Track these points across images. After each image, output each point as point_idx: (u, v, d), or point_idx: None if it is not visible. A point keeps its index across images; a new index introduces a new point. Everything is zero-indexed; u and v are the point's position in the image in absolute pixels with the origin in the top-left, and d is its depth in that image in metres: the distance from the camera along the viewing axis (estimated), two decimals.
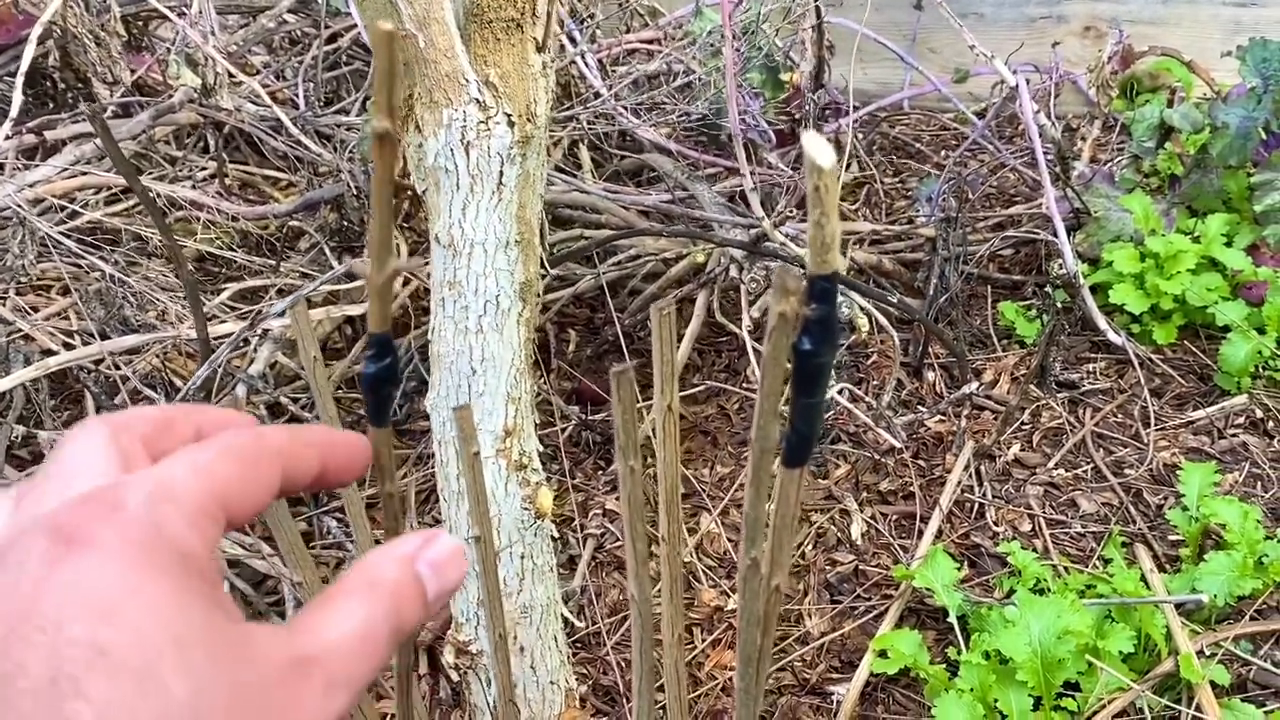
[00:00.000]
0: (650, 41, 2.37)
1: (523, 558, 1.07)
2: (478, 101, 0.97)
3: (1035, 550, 1.47)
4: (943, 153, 2.63)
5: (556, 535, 1.15)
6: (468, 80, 0.97)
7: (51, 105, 2.32)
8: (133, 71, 2.36)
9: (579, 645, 1.40)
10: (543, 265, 1.15)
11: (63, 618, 0.29)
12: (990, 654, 1.21)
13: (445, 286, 1.02)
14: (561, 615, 1.16)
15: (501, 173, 0.99)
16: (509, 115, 0.98)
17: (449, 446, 1.06)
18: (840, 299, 1.46)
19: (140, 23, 2.57)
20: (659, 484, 0.74)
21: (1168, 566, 1.45)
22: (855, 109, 2.59)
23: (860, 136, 2.56)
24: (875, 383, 1.84)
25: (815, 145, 0.46)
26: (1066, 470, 1.65)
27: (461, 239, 1.00)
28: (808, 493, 1.64)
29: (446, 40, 0.95)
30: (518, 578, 1.07)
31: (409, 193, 2.04)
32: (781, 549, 0.61)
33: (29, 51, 1.86)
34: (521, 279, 1.03)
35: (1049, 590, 1.36)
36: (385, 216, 0.43)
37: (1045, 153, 1.84)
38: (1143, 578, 1.36)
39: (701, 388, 1.80)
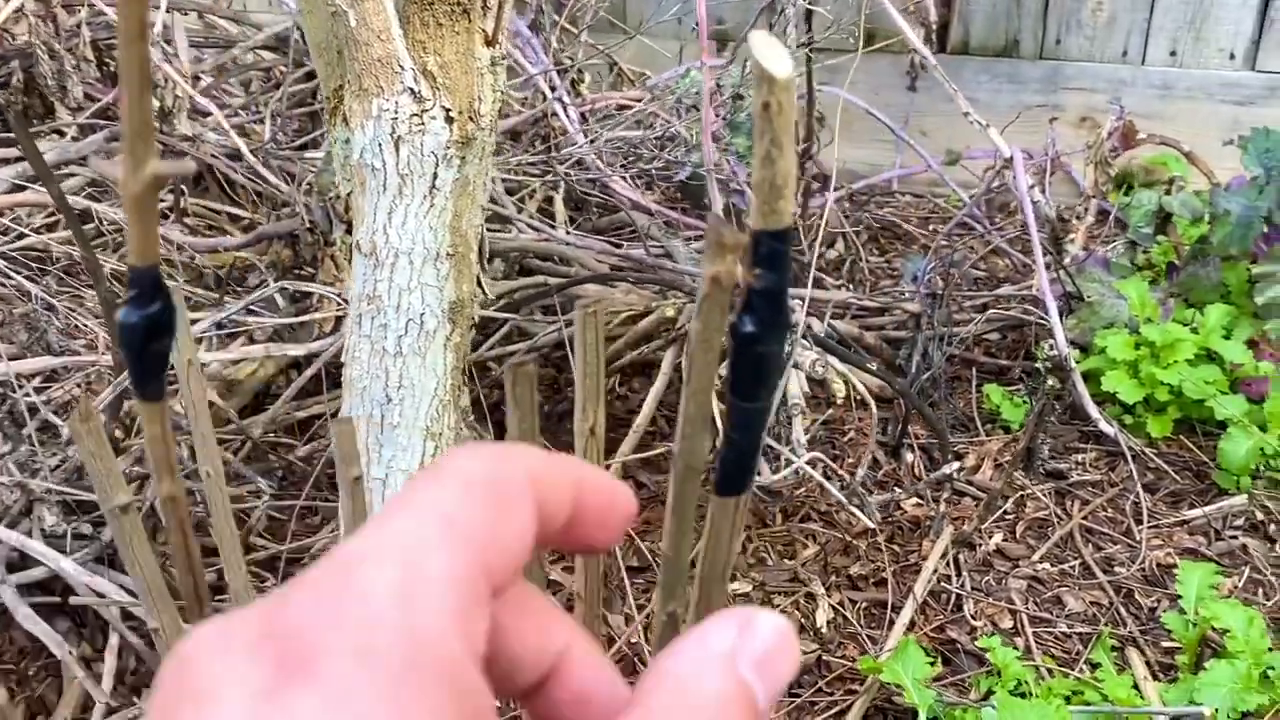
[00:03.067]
0: (636, 100, 2.30)
1: None
2: (412, 91, 0.86)
3: (1017, 649, 1.33)
4: (931, 234, 2.55)
5: None
6: (402, 67, 0.86)
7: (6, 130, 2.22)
8: (101, 101, 2.28)
9: None
10: (480, 287, 1.03)
11: None
12: None
13: (364, 301, 0.90)
14: None
15: (435, 175, 0.88)
16: (447, 110, 0.87)
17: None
18: (815, 357, 1.34)
19: (114, 52, 2.49)
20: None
21: (1161, 675, 1.31)
22: (841, 186, 2.52)
23: (845, 215, 2.49)
24: (850, 460, 1.72)
25: (766, 48, 0.34)
26: (1052, 565, 1.52)
27: (385, 247, 0.88)
28: (772, 573, 1.50)
29: (381, 20, 0.85)
30: None
31: (330, 248, 1.92)
32: (709, 604, 0.48)
33: None
34: (452, 298, 0.91)
35: (1031, 694, 1.22)
36: (140, 88, 0.30)
37: (1039, 230, 1.75)
38: (1135, 686, 1.22)
39: (663, 451, 1.67)
